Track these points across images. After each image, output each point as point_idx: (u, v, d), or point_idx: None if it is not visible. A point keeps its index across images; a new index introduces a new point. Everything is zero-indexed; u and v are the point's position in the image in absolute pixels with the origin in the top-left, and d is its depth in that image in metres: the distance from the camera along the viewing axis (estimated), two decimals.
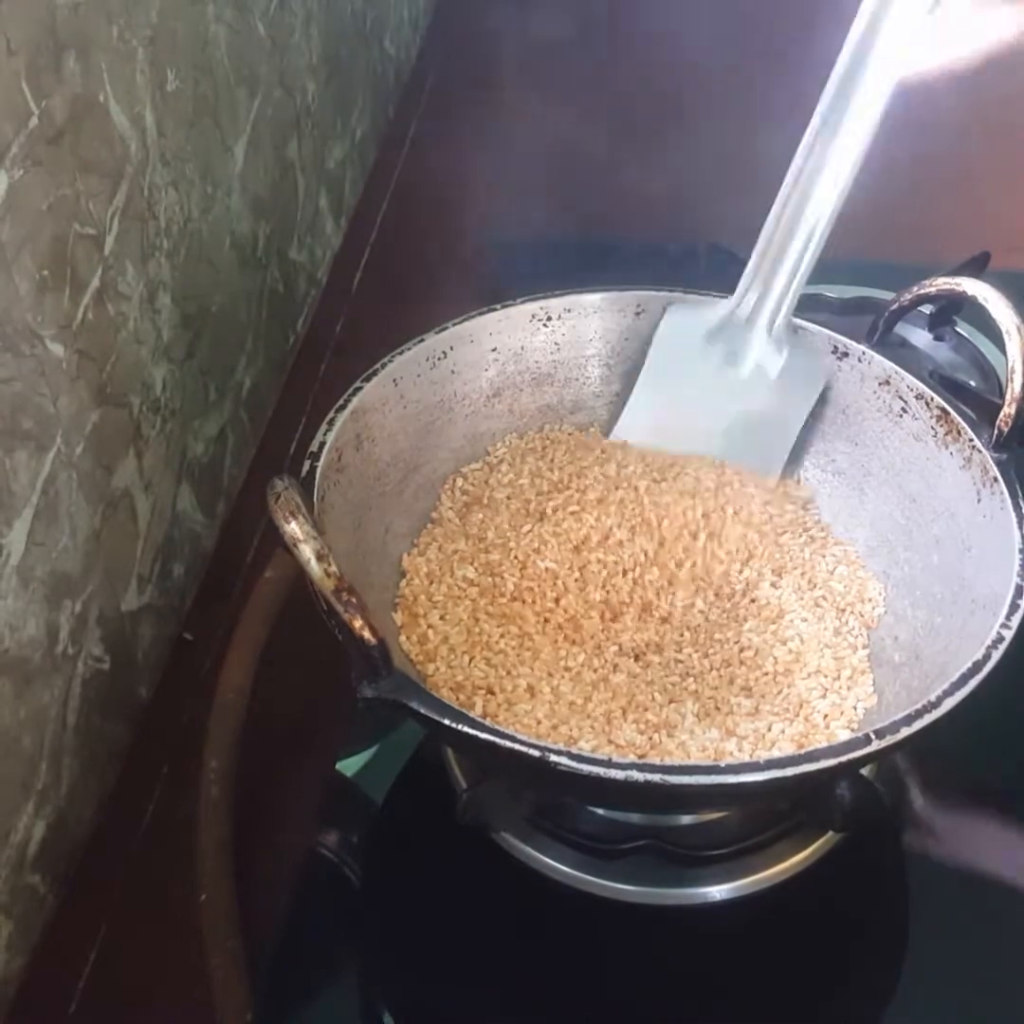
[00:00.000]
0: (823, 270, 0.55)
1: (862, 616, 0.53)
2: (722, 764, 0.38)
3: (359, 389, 0.52)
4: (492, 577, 0.54)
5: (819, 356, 0.56)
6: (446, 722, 0.39)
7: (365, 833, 0.55)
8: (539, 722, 0.48)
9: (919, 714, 0.40)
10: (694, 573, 0.54)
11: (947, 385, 0.54)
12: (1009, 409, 0.49)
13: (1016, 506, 0.47)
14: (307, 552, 0.38)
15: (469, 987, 0.50)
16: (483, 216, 0.92)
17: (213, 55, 0.63)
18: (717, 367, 0.56)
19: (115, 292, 0.53)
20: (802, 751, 0.39)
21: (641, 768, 0.38)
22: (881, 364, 0.54)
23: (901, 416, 0.54)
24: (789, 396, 0.55)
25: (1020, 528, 0.46)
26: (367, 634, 0.38)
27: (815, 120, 0.52)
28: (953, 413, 0.51)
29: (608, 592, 0.53)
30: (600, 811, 0.50)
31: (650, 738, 0.48)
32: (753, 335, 0.56)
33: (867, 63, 0.50)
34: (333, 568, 0.38)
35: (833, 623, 0.53)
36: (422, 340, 0.55)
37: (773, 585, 0.54)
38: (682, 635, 0.52)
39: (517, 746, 0.38)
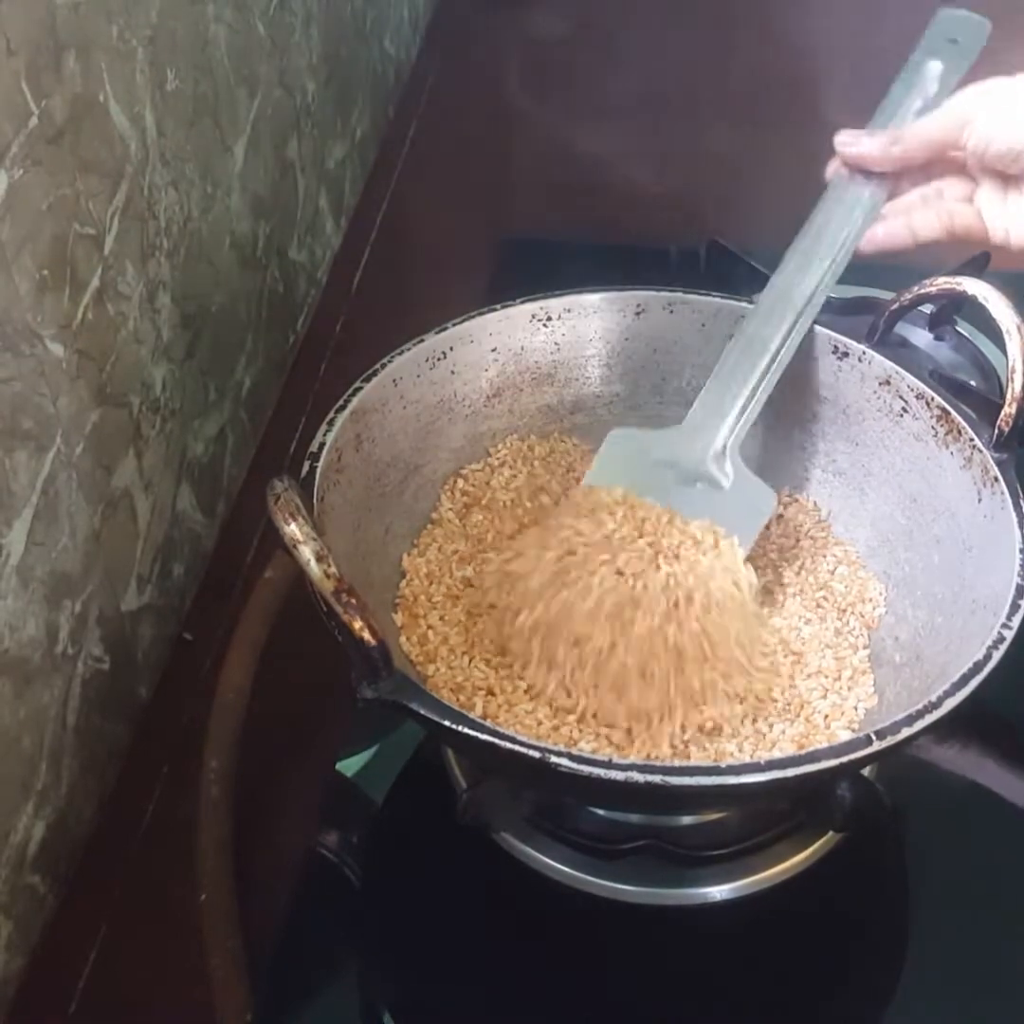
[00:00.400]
0: None
1: (863, 616, 0.53)
2: (723, 765, 0.38)
3: (359, 389, 0.52)
4: None
5: (764, 487, 0.54)
6: (446, 723, 0.39)
7: (365, 833, 0.55)
8: (540, 723, 0.48)
9: (920, 714, 0.40)
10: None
11: (947, 385, 0.54)
12: (1010, 409, 0.49)
13: (1017, 506, 0.47)
14: (307, 553, 0.38)
15: (469, 987, 0.50)
16: (483, 216, 0.92)
17: (213, 55, 0.63)
18: (665, 481, 0.53)
19: (115, 292, 0.53)
20: (803, 751, 0.39)
21: (641, 769, 0.38)
22: (881, 364, 0.54)
23: (901, 416, 0.54)
24: (742, 508, 0.53)
25: (1021, 528, 0.46)
26: (367, 635, 0.38)
27: (777, 282, 0.54)
28: (954, 413, 0.51)
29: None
30: (600, 811, 0.50)
31: None
32: (703, 454, 0.53)
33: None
34: (333, 569, 0.38)
35: (834, 624, 0.53)
36: (422, 340, 0.55)
37: (773, 588, 0.54)
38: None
39: (517, 747, 0.38)
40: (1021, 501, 0.47)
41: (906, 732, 0.39)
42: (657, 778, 0.38)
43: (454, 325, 0.56)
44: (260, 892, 0.51)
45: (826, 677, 0.51)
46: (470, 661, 0.50)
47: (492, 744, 0.39)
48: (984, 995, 0.49)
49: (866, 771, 0.49)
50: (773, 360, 0.53)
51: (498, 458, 0.59)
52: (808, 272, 0.54)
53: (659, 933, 0.50)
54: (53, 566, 0.49)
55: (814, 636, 0.52)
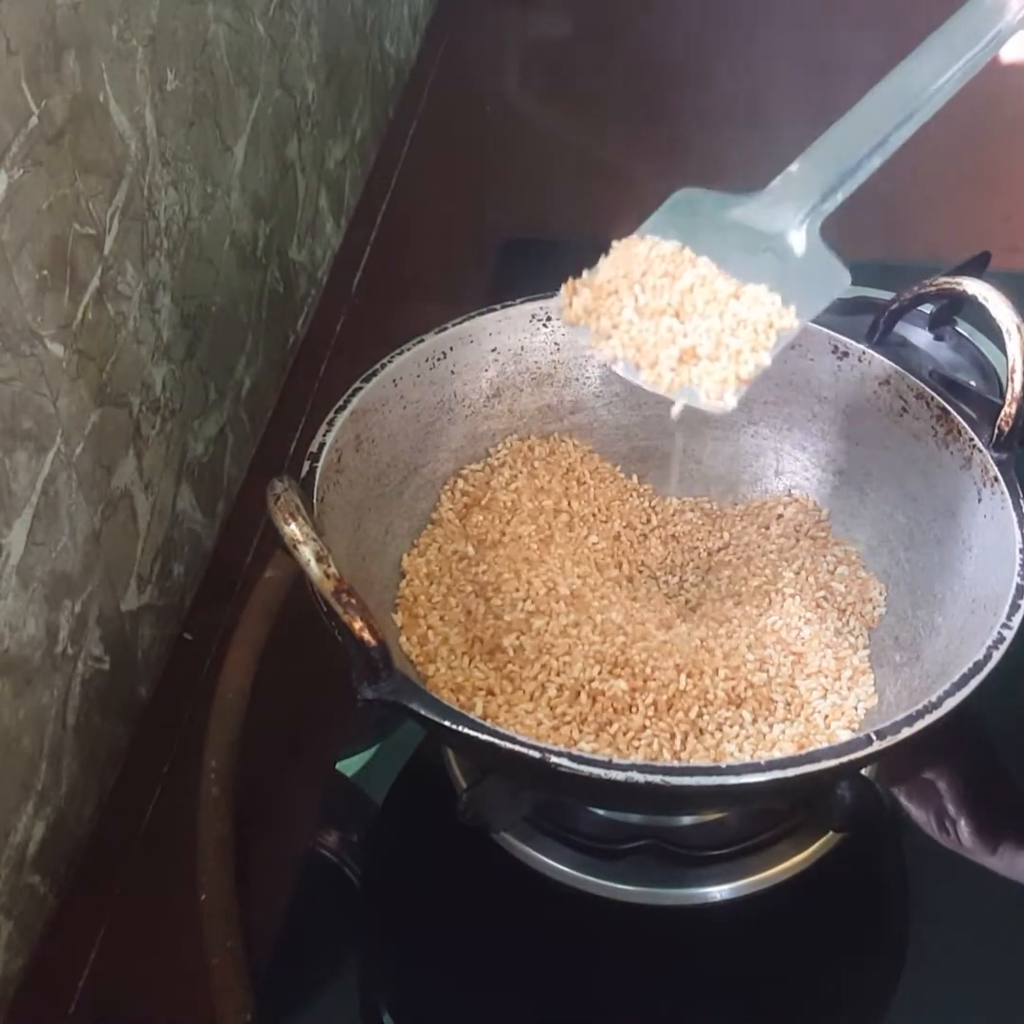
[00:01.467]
0: None
1: (863, 616, 0.53)
2: (723, 765, 0.38)
3: (359, 389, 0.52)
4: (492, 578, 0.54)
5: (839, 265, 0.49)
6: (446, 723, 0.39)
7: (365, 833, 0.55)
8: (540, 723, 0.48)
9: (920, 714, 0.40)
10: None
11: (947, 385, 0.54)
12: (1009, 409, 0.49)
13: (1017, 506, 0.47)
14: (307, 553, 0.38)
15: (469, 987, 0.50)
16: (483, 216, 0.92)
17: (213, 55, 0.63)
18: (728, 242, 0.49)
19: (115, 292, 0.53)
20: (803, 751, 0.39)
21: (641, 769, 0.38)
22: (881, 364, 0.54)
23: (901, 416, 0.54)
24: (809, 282, 0.49)
25: (1020, 527, 0.46)
26: (367, 635, 0.38)
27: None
28: (953, 413, 0.51)
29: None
30: (600, 811, 0.50)
31: None
32: (780, 221, 0.50)
33: None
34: (333, 569, 0.38)
35: (834, 624, 0.53)
36: (422, 340, 0.55)
37: (774, 588, 0.54)
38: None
39: (517, 747, 0.38)
40: (1021, 501, 0.47)
41: (906, 732, 0.39)
42: (657, 778, 0.38)
43: (454, 325, 0.56)
44: (260, 892, 0.51)
45: (826, 677, 0.51)
46: (470, 661, 0.50)
47: (492, 744, 0.39)
48: (984, 995, 0.49)
49: (866, 771, 0.49)
50: (876, 148, 0.49)
51: (498, 458, 0.59)
52: (937, 66, 0.50)
53: (659, 933, 0.50)
54: (53, 566, 0.49)
55: (814, 636, 0.52)
